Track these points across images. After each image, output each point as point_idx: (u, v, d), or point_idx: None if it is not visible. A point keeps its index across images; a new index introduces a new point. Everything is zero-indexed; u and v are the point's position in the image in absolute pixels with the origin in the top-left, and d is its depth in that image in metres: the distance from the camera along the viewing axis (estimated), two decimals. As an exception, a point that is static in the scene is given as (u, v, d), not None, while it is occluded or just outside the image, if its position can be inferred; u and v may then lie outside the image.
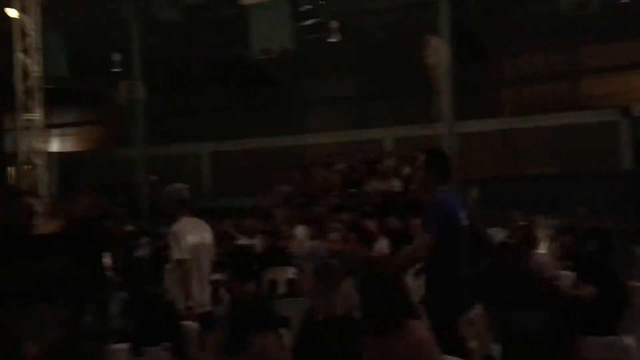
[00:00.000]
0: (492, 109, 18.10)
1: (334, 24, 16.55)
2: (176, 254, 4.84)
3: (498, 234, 7.83)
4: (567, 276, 5.47)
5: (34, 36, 11.55)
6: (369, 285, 3.26)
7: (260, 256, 7.60)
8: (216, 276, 10.77)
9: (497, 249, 6.16)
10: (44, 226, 6.84)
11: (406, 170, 12.99)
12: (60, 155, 18.98)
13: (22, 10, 11.55)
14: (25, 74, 11.51)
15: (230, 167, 20.63)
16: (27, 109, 11.61)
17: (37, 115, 11.70)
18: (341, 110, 19.57)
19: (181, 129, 21.55)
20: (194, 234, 4.98)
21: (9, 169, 12.53)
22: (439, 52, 13.38)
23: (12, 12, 11.73)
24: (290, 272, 7.37)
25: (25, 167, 11.51)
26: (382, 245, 7.79)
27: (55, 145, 15.48)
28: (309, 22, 16.71)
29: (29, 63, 11.51)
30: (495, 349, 2.81)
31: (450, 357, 3.27)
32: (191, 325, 4.64)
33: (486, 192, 13.94)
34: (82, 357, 2.49)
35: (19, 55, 11.43)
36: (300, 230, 9.19)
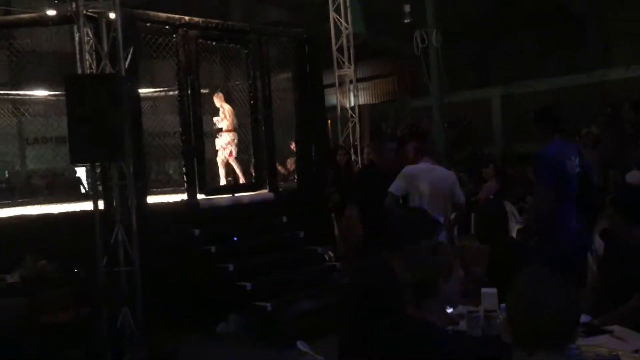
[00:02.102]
0: None
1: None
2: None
3: None
4: None
5: (344, -5, 12.26)
6: None
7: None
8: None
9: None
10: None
11: None
12: (368, 106, 20.18)
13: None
14: (338, 32, 12.33)
15: (523, 110, 19.73)
16: (340, 65, 12.47)
17: (348, 70, 12.51)
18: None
19: (474, 74, 21.23)
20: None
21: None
22: None
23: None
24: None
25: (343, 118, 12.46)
26: None
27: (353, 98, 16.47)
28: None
29: (341, 21, 12.29)
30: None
31: None
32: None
33: None
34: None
35: (332, 15, 12.27)
36: (634, 175, 8.41)
